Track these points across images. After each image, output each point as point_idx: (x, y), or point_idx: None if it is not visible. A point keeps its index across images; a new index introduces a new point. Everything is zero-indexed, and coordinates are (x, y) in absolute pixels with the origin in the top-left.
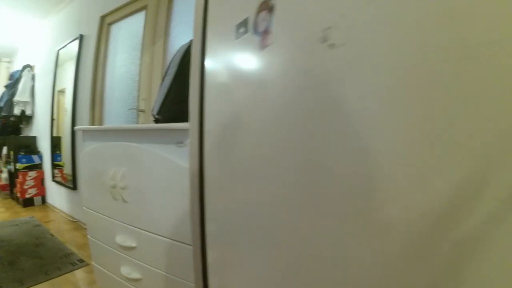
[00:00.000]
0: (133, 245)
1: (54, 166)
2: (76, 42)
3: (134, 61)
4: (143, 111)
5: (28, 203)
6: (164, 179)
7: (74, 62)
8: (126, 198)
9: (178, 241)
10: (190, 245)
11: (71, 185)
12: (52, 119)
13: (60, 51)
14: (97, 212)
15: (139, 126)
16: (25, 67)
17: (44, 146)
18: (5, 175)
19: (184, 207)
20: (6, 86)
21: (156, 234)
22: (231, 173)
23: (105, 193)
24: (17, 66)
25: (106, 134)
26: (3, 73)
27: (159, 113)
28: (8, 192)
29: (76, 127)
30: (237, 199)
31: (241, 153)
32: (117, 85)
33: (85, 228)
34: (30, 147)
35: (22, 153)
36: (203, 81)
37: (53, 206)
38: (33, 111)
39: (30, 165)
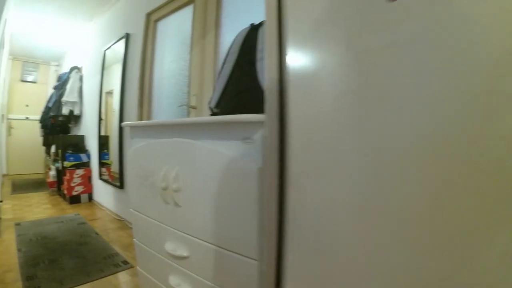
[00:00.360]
0: (185, 254)
1: (102, 164)
2: (122, 42)
3: (184, 57)
4: (194, 107)
5: (74, 200)
6: (226, 181)
7: (121, 64)
8: (179, 201)
9: (239, 254)
10: (254, 259)
11: (118, 184)
12: (100, 119)
13: (107, 53)
14: (145, 215)
15: (196, 119)
16: (72, 68)
17: (92, 144)
18: (53, 172)
19: (249, 214)
20: (55, 88)
21: (212, 244)
22: (325, 173)
23: (155, 195)
24: (65, 69)
25: (157, 130)
26: (52, 76)
27: (217, 105)
28: (55, 188)
29: (124, 123)
30: (335, 201)
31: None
32: (165, 82)
33: (131, 228)
34: (78, 145)
35: (70, 151)
36: (282, 60)
37: (100, 204)
38: (81, 111)
39: (78, 163)
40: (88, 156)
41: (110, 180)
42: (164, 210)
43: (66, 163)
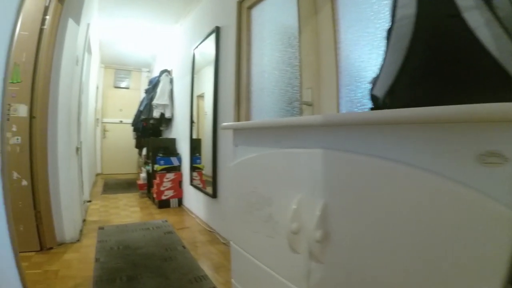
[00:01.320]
0: None
1: (193, 168)
2: (212, 38)
3: (290, 43)
4: (309, 104)
5: (163, 204)
6: (435, 234)
7: (211, 66)
8: (321, 256)
9: None
10: None
11: (210, 193)
12: (192, 122)
13: (196, 55)
14: (253, 257)
15: (374, 115)
16: (162, 72)
17: (184, 148)
18: (143, 175)
19: None
20: (146, 91)
21: None
22: None
23: (274, 235)
24: (155, 73)
25: (278, 134)
26: (143, 81)
27: (390, 93)
28: (145, 191)
29: (224, 124)
30: None
31: None
32: (267, 77)
33: (223, 243)
34: (169, 149)
35: (161, 154)
36: None
37: (190, 211)
38: (172, 114)
39: (168, 167)
40: (179, 159)
41: (201, 187)
42: (290, 261)
43: (157, 167)
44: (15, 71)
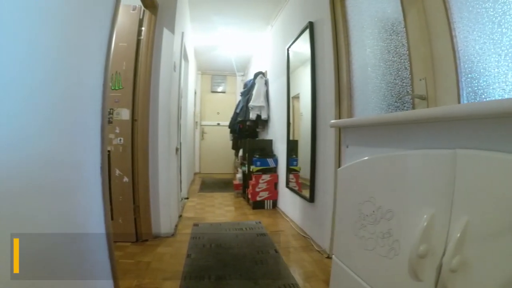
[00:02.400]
0: None
1: (289, 170)
2: (306, 35)
3: (394, 29)
4: (423, 98)
5: (257, 205)
6: None
7: (305, 67)
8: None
9: None
10: None
11: (306, 196)
12: (289, 123)
13: (291, 56)
14: (361, 279)
15: None
16: (256, 74)
17: (280, 149)
18: (239, 175)
19: None
20: (241, 94)
21: None
22: None
23: (393, 256)
24: (250, 76)
25: (402, 131)
26: (239, 85)
27: None
28: (240, 191)
29: (334, 121)
30: None
31: None
32: (370, 70)
33: (317, 251)
34: (265, 150)
35: (257, 156)
36: None
37: (284, 213)
38: (268, 115)
39: (264, 168)
40: (275, 161)
41: (297, 190)
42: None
43: (253, 168)
44: (116, 79)
